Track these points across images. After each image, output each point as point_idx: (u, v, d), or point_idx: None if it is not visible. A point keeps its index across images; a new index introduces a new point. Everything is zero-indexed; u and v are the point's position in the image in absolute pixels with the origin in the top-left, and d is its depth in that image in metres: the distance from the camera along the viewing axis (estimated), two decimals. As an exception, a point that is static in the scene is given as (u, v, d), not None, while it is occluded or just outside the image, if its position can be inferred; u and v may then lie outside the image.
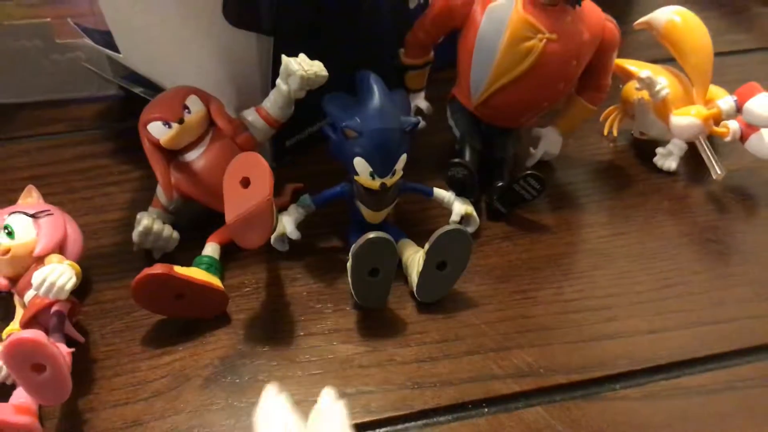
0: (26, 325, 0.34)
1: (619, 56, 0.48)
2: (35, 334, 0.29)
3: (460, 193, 0.43)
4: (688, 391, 0.35)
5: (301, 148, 0.48)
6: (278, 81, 0.39)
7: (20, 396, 0.31)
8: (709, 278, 0.41)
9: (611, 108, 0.51)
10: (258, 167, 0.35)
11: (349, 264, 0.36)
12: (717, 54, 0.58)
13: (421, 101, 0.49)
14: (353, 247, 0.35)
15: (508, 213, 0.44)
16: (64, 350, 0.32)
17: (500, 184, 0.44)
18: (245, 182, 0.35)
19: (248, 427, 0.32)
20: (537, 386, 0.35)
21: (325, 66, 0.38)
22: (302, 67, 0.38)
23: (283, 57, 0.38)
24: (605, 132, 0.50)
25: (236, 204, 0.35)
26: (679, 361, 0.36)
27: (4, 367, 0.33)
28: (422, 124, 0.47)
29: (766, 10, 0.69)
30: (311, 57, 0.39)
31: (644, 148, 0.50)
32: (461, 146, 0.45)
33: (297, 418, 0.27)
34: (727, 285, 0.40)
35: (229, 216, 0.35)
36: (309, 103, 0.39)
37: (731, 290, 0.40)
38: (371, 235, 0.35)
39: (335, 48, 0.42)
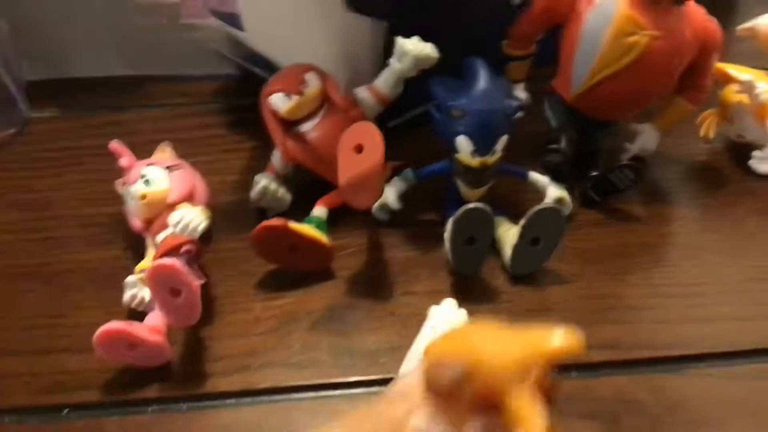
0: (159, 261, 0.38)
1: (720, 61, 0.49)
2: (175, 261, 0.33)
3: (555, 178, 0.45)
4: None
5: (402, 130, 0.51)
6: (392, 60, 0.42)
7: (153, 319, 0.35)
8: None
9: (709, 111, 0.51)
10: (371, 135, 0.38)
11: (448, 231, 0.39)
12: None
13: (520, 92, 0.51)
14: (454, 215, 0.38)
15: (601, 202, 0.46)
16: (196, 281, 0.36)
17: (595, 173, 0.46)
18: (359, 148, 0.38)
19: (348, 365, 0.36)
20: (622, 358, 0.36)
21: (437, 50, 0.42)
22: (416, 47, 0.41)
23: (398, 38, 0.41)
24: (702, 134, 0.51)
25: (350, 167, 0.38)
26: (765, 348, 0.37)
27: (140, 293, 0.37)
28: (520, 113, 0.50)
29: None
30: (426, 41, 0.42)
31: (741, 151, 0.50)
32: (557, 136, 0.47)
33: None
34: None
35: (343, 178, 0.38)
36: (412, 88, 0.42)
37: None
38: (471, 204, 0.38)
39: (443, 36, 0.45)
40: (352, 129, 0.39)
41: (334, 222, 0.43)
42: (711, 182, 0.48)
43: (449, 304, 0.35)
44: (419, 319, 0.38)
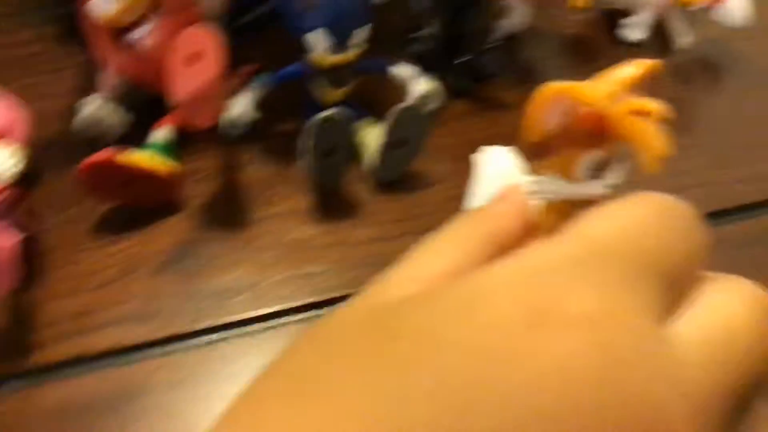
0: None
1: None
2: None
3: (424, 69, 0.41)
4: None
5: (253, 29, 0.46)
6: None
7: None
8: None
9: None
10: (208, 40, 0.33)
11: (304, 142, 0.35)
12: None
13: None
14: (309, 125, 0.34)
15: (471, 89, 0.43)
16: (9, 240, 0.31)
17: (465, 58, 0.43)
18: (195, 57, 0.33)
19: (198, 310, 0.32)
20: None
21: None
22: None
23: None
24: (569, 4, 0.48)
25: (185, 81, 0.33)
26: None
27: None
28: (381, -1, 0.45)
29: None
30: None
31: (614, 19, 0.48)
32: (428, 19, 0.43)
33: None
34: (685, 156, 0.40)
35: (178, 94, 0.33)
36: None
37: (689, 161, 0.40)
38: (327, 112, 0.34)
39: None
40: (184, 35, 0.34)
41: (182, 143, 0.39)
42: (584, 56, 0.46)
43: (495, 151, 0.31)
44: (280, 246, 0.35)
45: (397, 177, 0.38)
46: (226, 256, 0.35)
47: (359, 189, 0.38)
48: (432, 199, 0.38)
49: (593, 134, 0.22)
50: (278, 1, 0.37)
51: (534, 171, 0.25)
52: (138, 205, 0.36)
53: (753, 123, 0.42)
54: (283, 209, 0.37)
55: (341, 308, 0.16)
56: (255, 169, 0.39)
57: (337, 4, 0.35)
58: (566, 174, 0.24)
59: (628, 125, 0.22)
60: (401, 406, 0.12)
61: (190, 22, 0.38)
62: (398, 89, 0.42)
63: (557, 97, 0.23)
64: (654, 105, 0.22)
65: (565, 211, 0.24)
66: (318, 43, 0.36)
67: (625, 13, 0.47)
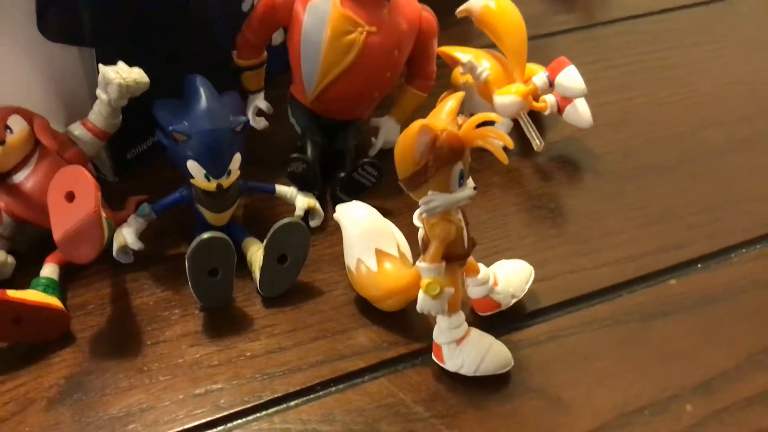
0: None
1: (449, 44, 0.51)
2: None
3: (303, 187, 0.44)
4: (516, 344, 0.38)
5: (145, 158, 0.48)
6: (98, 91, 0.39)
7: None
8: (535, 241, 0.44)
9: (445, 93, 0.53)
10: (82, 180, 0.35)
11: (186, 266, 0.37)
12: (543, 35, 0.63)
13: (260, 101, 0.50)
14: (189, 250, 0.36)
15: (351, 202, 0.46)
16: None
17: (342, 174, 0.46)
18: (70, 196, 0.35)
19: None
20: (380, 359, 0.37)
21: (157, 71, 0.39)
22: (120, 75, 0.38)
23: (100, 66, 0.38)
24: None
25: (63, 220, 0.35)
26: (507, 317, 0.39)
27: None
28: (264, 124, 0.49)
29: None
30: (140, 64, 0.39)
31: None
32: (302, 142, 0.47)
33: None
34: (551, 245, 0.44)
35: (57, 233, 0.34)
36: (147, 112, 0.39)
37: (554, 250, 0.43)
38: (205, 235, 0.36)
39: (166, 53, 0.42)
40: (59, 175, 0.36)
41: (71, 275, 0.40)
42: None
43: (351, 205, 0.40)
44: (173, 369, 0.36)
45: (284, 291, 0.40)
46: (118, 385, 0.35)
47: (249, 305, 0.39)
48: (322, 307, 0.40)
49: (456, 151, 0.32)
50: (157, 136, 0.39)
51: (420, 194, 0.33)
52: (31, 341, 0.36)
53: (607, 213, 0.47)
54: (173, 334, 0.38)
55: None
56: (144, 296, 0.40)
57: (208, 137, 0.37)
58: (443, 188, 0.32)
59: (478, 135, 0.32)
60: None
61: (70, 163, 0.40)
62: (284, 207, 0.45)
63: (420, 132, 0.31)
64: (490, 115, 0.33)
65: (448, 218, 0.33)
66: (195, 172, 0.38)
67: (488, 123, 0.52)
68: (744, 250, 0.44)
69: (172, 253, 0.42)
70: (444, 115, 0.32)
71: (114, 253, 0.40)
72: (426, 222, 0.34)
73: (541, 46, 0.62)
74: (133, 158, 0.47)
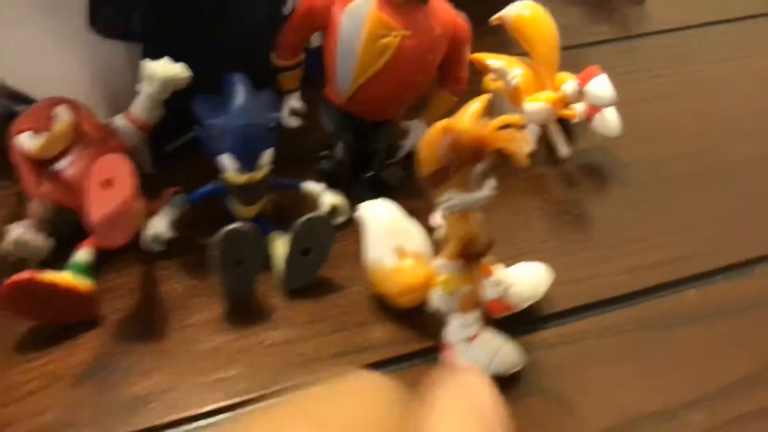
0: None
1: (482, 52, 0.52)
2: None
3: (332, 185, 0.45)
4: (530, 346, 0.38)
5: (184, 151, 0.50)
6: (141, 84, 0.40)
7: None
8: (557, 245, 0.44)
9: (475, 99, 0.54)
10: (120, 168, 0.36)
11: (211, 255, 0.38)
12: (578, 45, 0.63)
13: (295, 101, 0.51)
14: (214, 238, 0.37)
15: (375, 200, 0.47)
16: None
17: (369, 174, 0.47)
18: (107, 183, 0.36)
19: (112, 417, 0.34)
20: (396, 354, 0.38)
21: (199, 69, 0.40)
22: (163, 69, 0.39)
23: (145, 61, 0.40)
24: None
25: (99, 205, 0.36)
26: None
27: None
28: (298, 122, 0.50)
29: (624, 4, 0.74)
30: (185, 60, 0.41)
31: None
32: (334, 141, 0.48)
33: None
34: (574, 250, 0.44)
35: (93, 217, 0.36)
36: (187, 107, 0.41)
37: (575, 255, 0.44)
38: (232, 225, 0.37)
39: (209, 52, 0.44)
40: (99, 163, 0.38)
41: (105, 262, 0.41)
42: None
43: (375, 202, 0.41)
44: (193, 354, 0.37)
45: (306, 284, 0.41)
46: (141, 366, 0.36)
47: (271, 296, 0.40)
48: (341, 301, 0.40)
49: (477, 151, 0.32)
50: (195, 130, 0.40)
51: (440, 193, 0.33)
52: (58, 322, 0.38)
53: (631, 220, 0.47)
54: (198, 320, 0.39)
55: None
56: (172, 284, 0.41)
57: (241, 132, 0.39)
58: (463, 188, 0.33)
59: (499, 137, 0.32)
60: None
61: (112, 151, 0.41)
62: (310, 204, 0.46)
63: (443, 132, 0.32)
64: (513, 117, 0.33)
65: (466, 217, 0.34)
66: (228, 165, 0.39)
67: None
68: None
69: (202, 243, 0.43)
70: (468, 116, 0.33)
71: (148, 240, 0.41)
72: (445, 220, 0.34)
73: (576, 56, 0.62)
74: (170, 151, 0.49)
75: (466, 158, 0.32)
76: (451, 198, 0.33)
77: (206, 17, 0.45)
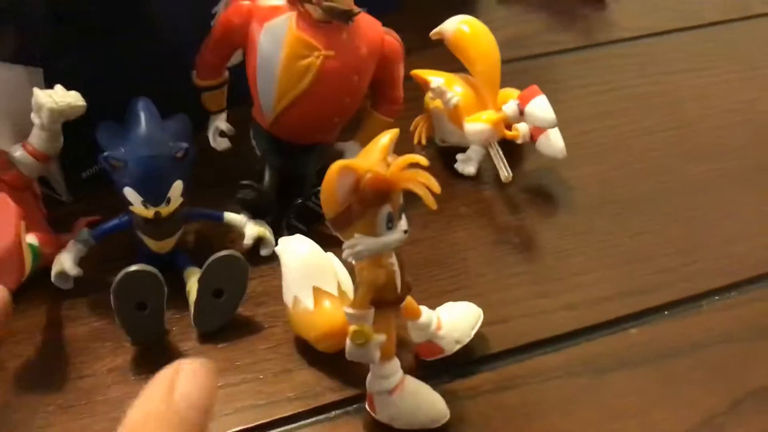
0: None
1: (428, 67, 0.49)
2: None
3: (255, 215, 0.43)
4: (457, 394, 0.36)
5: (101, 179, 0.47)
6: (32, 115, 0.37)
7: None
8: (494, 279, 0.42)
9: (419, 117, 0.51)
10: (3, 209, 0.34)
11: (112, 300, 0.35)
12: (536, 56, 0.60)
13: (221, 122, 0.48)
14: (114, 282, 0.34)
15: (307, 230, 0.44)
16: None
17: (298, 201, 0.44)
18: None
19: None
20: (312, 406, 0.35)
21: (112, 93, 0.37)
22: (53, 99, 0.36)
23: (34, 90, 0.37)
24: (415, 141, 0.51)
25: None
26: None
27: None
28: (226, 145, 0.47)
29: (587, 11, 0.71)
30: (92, 84, 0.38)
31: (450, 155, 0.50)
32: (261, 166, 0.45)
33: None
34: (510, 285, 0.41)
35: (-23, 262, 0.33)
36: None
37: (512, 290, 0.41)
38: (131, 268, 0.34)
39: (122, 74, 0.41)
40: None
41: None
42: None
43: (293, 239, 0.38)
44: (95, 406, 0.34)
45: (219, 326, 0.38)
46: (36, 421, 0.34)
47: (185, 339, 0.38)
48: (260, 345, 0.38)
49: (381, 193, 0.29)
50: (99, 160, 0.38)
51: (346, 237, 0.30)
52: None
53: (574, 250, 0.44)
54: (102, 367, 0.36)
55: None
56: (78, 326, 0.38)
57: (143, 164, 0.36)
58: (370, 231, 0.30)
59: (403, 177, 0.29)
60: None
61: (9, 185, 0.38)
62: (236, 235, 0.43)
63: (342, 173, 0.29)
64: (418, 157, 0.30)
65: (378, 262, 0.31)
66: (132, 199, 0.37)
67: (462, 149, 0.50)
68: (717, 298, 0.42)
69: (112, 281, 0.41)
70: (373, 154, 0.30)
71: (52, 278, 0.38)
72: (355, 266, 0.32)
73: (532, 67, 0.60)
74: (88, 178, 0.46)
75: (370, 201, 0.29)
76: (356, 243, 0.30)
77: (117, 36, 0.42)
